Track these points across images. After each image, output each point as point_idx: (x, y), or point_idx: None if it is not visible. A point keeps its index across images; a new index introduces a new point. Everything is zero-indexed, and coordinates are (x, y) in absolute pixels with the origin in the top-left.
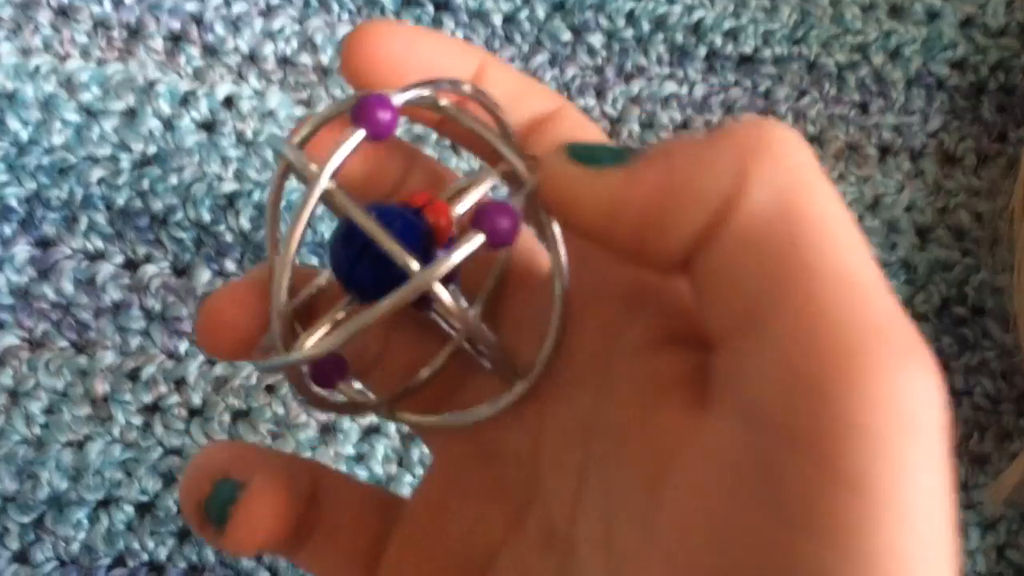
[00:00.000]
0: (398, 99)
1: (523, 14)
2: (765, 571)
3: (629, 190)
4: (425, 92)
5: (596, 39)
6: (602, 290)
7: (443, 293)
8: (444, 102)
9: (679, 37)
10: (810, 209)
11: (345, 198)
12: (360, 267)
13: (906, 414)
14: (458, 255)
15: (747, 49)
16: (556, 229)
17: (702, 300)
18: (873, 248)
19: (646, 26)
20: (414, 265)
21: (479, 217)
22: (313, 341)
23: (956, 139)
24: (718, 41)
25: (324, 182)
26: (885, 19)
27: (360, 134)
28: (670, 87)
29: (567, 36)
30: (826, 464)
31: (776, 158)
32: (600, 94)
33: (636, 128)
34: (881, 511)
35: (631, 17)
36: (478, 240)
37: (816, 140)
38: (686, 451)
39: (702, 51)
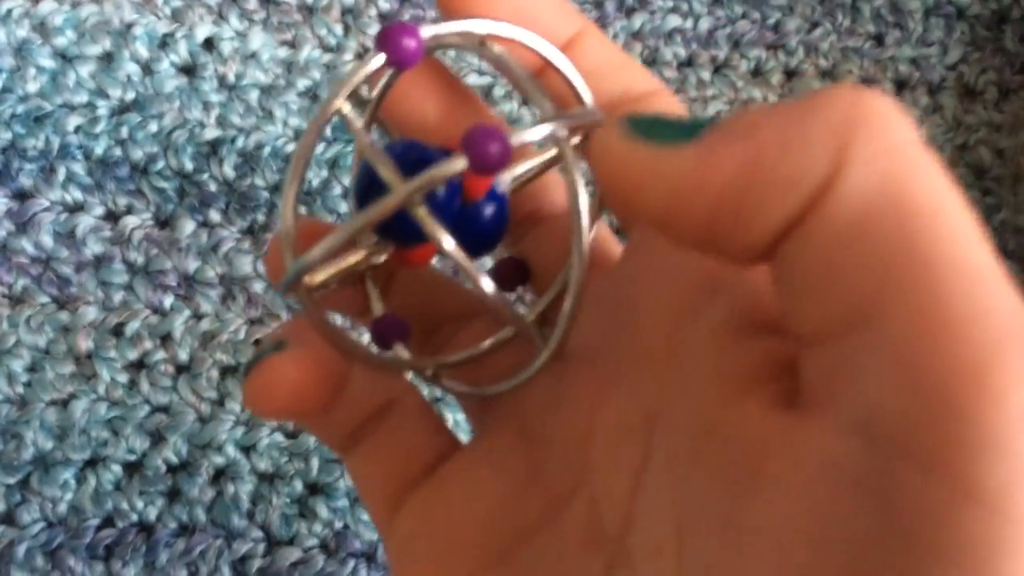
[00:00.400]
0: (427, 31)
1: None
2: None
3: (703, 172)
4: (455, 31)
5: None
6: (675, 269)
7: (426, 217)
8: (492, 46)
9: None
10: (921, 194)
11: (357, 118)
12: (370, 197)
13: None
14: (436, 171)
15: None
16: (581, 190)
17: (792, 292)
18: None
19: None
20: (397, 181)
21: (465, 140)
22: (316, 252)
23: (977, 72)
24: None
25: (339, 102)
26: None
27: (381, 58)
28: (674, 21)
29: None
30: (959, 482)
31: (878, 135)
32: (601, 29)
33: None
34: (1022, 532)
35: None
36: (460, 163)
37: (829, 75)
38: (779, 457)
39: None
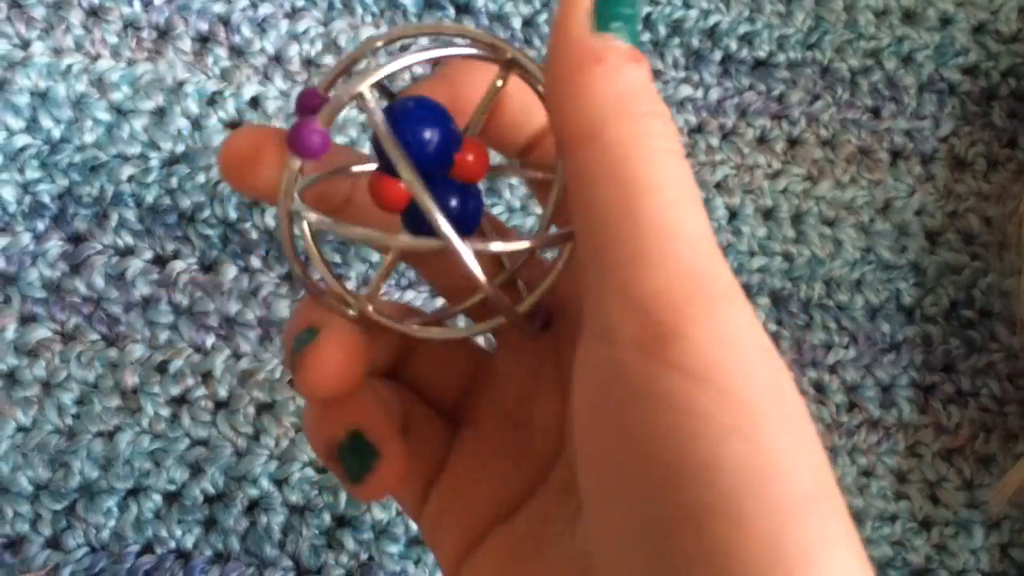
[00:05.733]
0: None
1: (542, 17)
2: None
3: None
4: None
5: None
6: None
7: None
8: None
9: (695, 41)
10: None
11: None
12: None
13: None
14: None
15: (762, 53)
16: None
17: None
18: (884, 251)
19: (663, 30)
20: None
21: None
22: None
23: (967, 144)
24: (733, 45)
25: (366, 87)
26: (898, 24)
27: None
28: (685, 90)
29: None
30: (670, 358)
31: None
32: None
33: None
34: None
35: (648, 21)
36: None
37: (829, 144)
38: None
39: (717, 55)
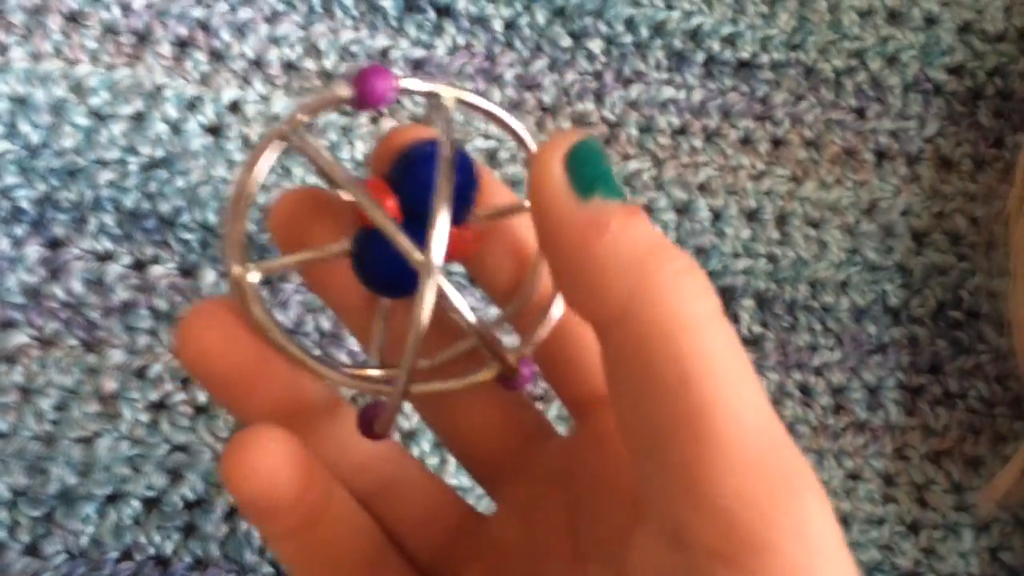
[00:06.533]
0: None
1: (523, 20)
2: None
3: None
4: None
5: (595, 45)
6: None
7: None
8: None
9: (677, 43)
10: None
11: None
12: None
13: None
14: (309, 104)
15: (745, 55)
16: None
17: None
18: (870, 252)
19: (645, 32)
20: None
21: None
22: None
23: (953, 144)
24: (716, 47)
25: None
26: (883, 24)
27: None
28: (668, 92)
29: (567, 42)
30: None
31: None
32: (599, 99)
33: (635, 132)
34: None
35: (630, 23)
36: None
37: (813, 145)
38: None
39: (700, 57)
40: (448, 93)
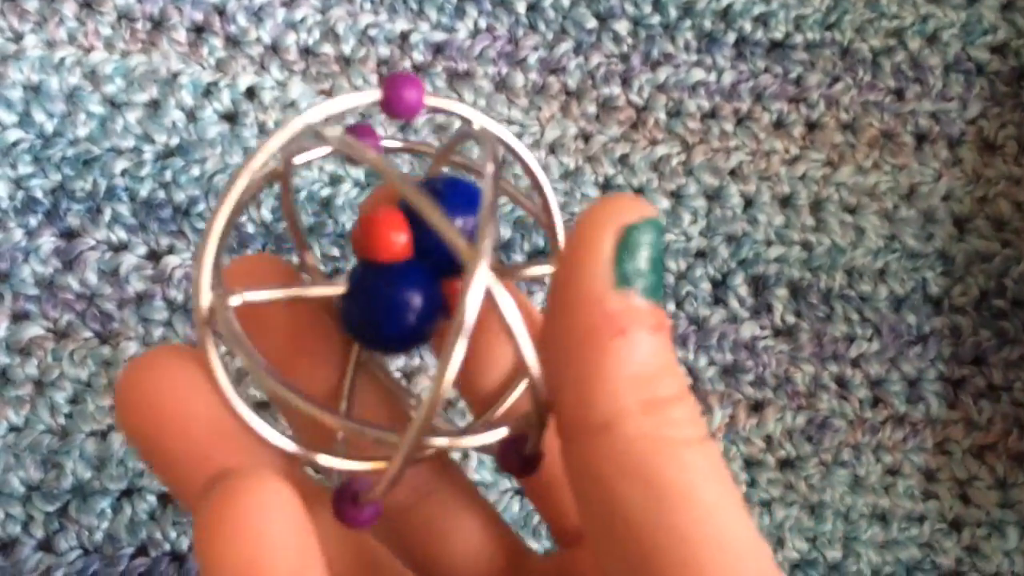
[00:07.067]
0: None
1: (547, 1)
2: None
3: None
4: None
5: (622, 26)
6: None
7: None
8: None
9: (707, 23)
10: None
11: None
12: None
13: None
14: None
15: (778, 35)
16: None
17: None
18: (909, 239)
19: (673, 12)
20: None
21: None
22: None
23: (996, 126)
24: (747, 27)
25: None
26: (922, 3)
27: (375, 95)
28: (698, 74)
29: (592, 23)
30: None
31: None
32: (626, 82)
33: (663, 116)
34: None
35: (657, 3)
36: (375, 94)
37: (849, 128)
38: None
39: (731, 37)
40: (480, 120)
